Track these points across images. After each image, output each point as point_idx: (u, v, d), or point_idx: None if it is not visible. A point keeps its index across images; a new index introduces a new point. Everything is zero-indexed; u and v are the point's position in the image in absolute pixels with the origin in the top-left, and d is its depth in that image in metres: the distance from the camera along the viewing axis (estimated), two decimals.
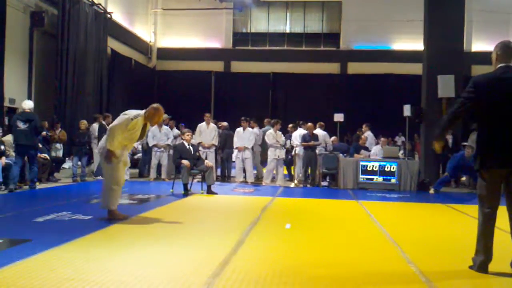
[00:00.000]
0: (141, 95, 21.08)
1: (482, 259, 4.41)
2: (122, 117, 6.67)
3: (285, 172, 13.91)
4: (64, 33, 15.42)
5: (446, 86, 12.60)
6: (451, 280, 4.29)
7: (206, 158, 11.59)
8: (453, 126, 4.72)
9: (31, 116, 9.88)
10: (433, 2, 13.61)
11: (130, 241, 5.40)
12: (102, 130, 12.09)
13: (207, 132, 12.82)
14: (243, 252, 5.08)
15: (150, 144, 13.08)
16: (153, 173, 13.06)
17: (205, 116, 13.00)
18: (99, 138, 11.60)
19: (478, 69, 18.98)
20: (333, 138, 14.44)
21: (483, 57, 19.88)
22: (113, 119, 7.32)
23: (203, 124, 12.94)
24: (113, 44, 19.72)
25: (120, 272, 4.14)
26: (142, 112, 6.72)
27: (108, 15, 18.68)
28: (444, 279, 4.26)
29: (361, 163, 12.33)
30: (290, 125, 14.57)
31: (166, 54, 24.80)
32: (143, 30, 23.93)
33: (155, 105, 6.77)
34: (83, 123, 12.63)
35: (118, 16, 20.14)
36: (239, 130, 12.99)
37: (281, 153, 12.91)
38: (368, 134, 14.78)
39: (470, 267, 4.50)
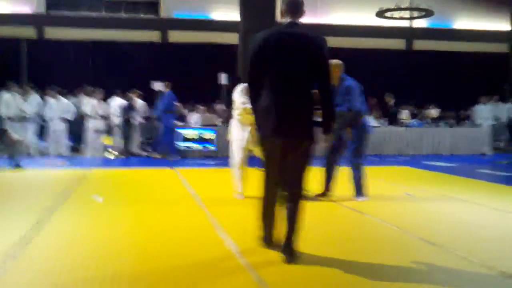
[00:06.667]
0: None
1: (268, 231, 4.16)
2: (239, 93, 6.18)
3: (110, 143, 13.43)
4: None
5: None
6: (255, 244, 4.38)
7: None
8: (259, 94, 3.91)
9: None
10: None
11: None
12: None
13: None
14: (46, 231, 4.79)
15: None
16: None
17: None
18: None
19: None
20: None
21: None
22: None
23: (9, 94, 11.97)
24: None
25: None
26: None
27: None
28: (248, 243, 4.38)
29: (180, 131, 12.40)
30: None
31: None
32: None
33: None
34: None
35: None
36: (52, 101, 12.23)
37: (100, 124, 12.49)
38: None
39: (260, 242, 4.22)
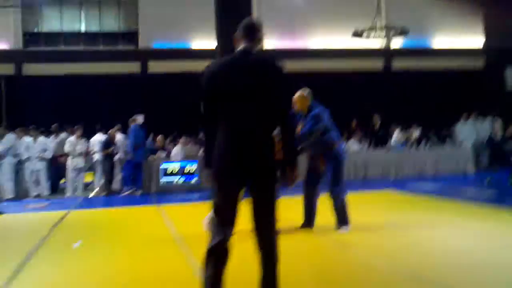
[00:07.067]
0: None
1: None
2: None
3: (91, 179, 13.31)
4: None
5: None
6: None
7: None
8: (213, 130, 3.49)
9: None
10: (224, 2, 14.18)
11: None
12: None
13: None
14: (23, 283, 4.67)
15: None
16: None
17: None
18: None
19: None
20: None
21: (274, 53, 21.04)
22: None
23: None
24: None
25: None
26: None
27: None
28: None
29: (161, 166, 12.28)
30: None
31: None
32: None
33: None
34: None
35: None
36: (29, 140, 12.07)
37: (80, 162, 12.37)
38: None
39: None
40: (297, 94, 6.52)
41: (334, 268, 4.94)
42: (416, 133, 15.87)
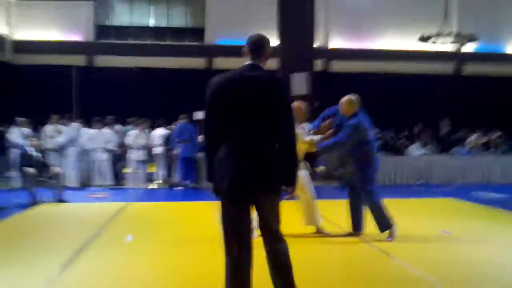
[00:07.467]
0: None
1: None
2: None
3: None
4: None
5: (298, 84, 13.07)
6: None
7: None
8: (215, 143, 3.53)
9: None
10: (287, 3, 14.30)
11: None
12: None
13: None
14: (72, 275, 4.82)
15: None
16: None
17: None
18: None
19: (335, 64, 20.07)
20: None
21: (340, 53, 20.70)
22: None
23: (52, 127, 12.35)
24: None
25: None
26: None
27: None
28: None
29: None
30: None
31: (23, 47, 23.13)
32: None
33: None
34: None
35: None
36: (94, 131, 12.50)
37: (142, 155, 12.68)
38: None
39: None
40: (345, 98, 6.42)
41: (370, 277, 4.82)
42: (494, 136, 15.22)
